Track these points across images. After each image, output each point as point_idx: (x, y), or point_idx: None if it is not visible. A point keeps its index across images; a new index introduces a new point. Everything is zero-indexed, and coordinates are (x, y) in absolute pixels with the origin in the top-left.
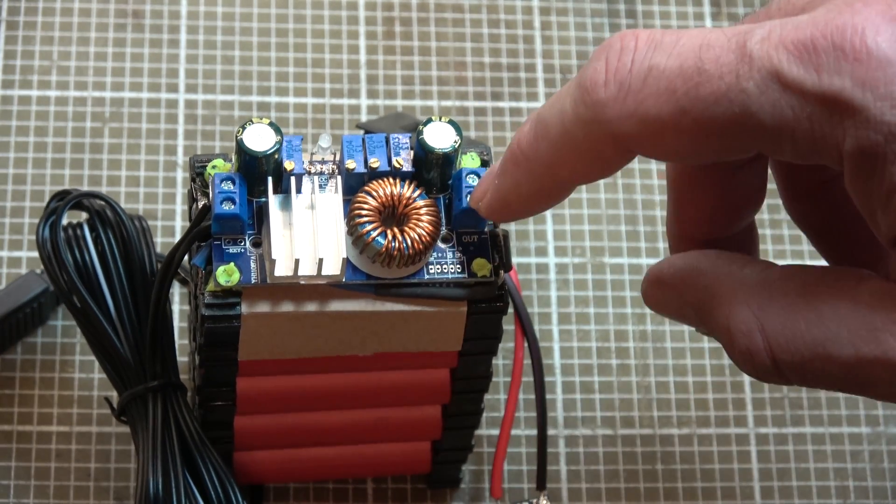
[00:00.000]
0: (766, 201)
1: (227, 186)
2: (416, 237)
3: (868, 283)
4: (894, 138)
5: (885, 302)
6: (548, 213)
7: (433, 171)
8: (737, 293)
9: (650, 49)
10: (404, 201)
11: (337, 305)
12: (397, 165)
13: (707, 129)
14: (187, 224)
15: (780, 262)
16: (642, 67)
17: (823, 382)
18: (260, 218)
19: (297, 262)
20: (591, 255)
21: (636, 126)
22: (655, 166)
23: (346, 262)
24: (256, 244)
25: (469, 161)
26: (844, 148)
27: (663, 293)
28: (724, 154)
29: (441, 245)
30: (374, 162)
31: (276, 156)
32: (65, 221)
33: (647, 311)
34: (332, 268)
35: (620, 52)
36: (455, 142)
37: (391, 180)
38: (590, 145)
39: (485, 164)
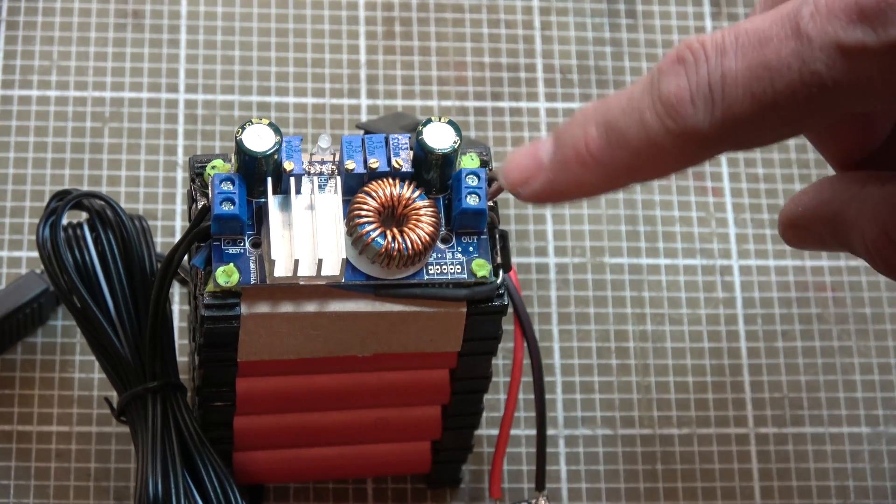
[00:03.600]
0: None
1: (227, 187)
2: (416, 238)
3: None
4: None
5: None
6: (547, 213)
7: (433, 172)
8: (864, 213)
9: (717, 55)
10: (404, 202)
11: (336, 306)
12: (397, 166)
13: (795, 116)
14: (187, 224)
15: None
16: (717, 76)
17: None
18: (259, 218)
19: (296, 262)
20: (591, 255)
21: (731, 132)
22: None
23: (346, 263)
24: (256, 245)
25: (468, 161)
26: None
27: (799, 233)
28: (820, 126)
29: (441, 245)
30: (374, 162)
31: (276, 156)
32: (65, 221)
33: (647, 310)
34: (332, 268)
35: (696, 65)
36: (454, 142)
37: (391, 181)
38: (682, 153)
39: (484, 164)
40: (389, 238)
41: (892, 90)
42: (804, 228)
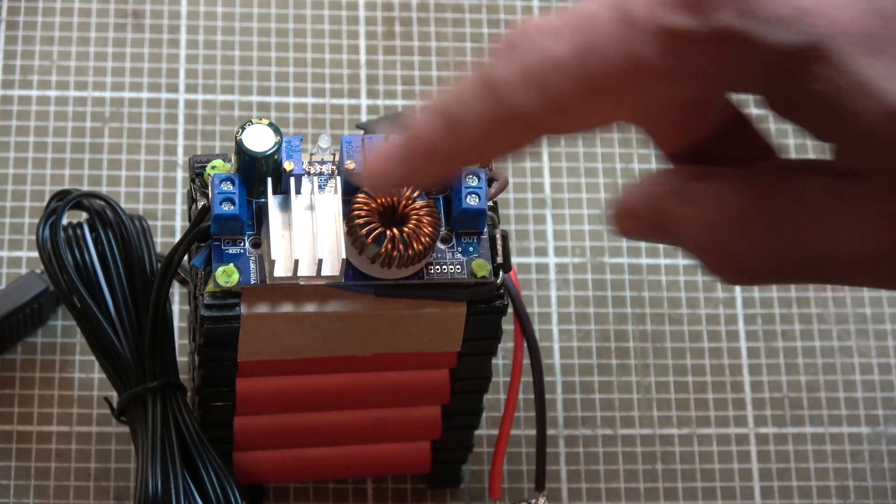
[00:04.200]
0: None
1: (227, 187)
2: (416, 238)
3: (812, 182)
4: (790, 55)
5: (829, 197)
6: (548, 213)
7: None
8: (692, 212)
9: (545, 38)
10: (404, 202)
11: (336, 306)
12: None
13: (619, 100)
14: (187, 224)
15: None
16: (544, 58)
17: (789, 280)
18: (259, 219)
19: (296, 262)
20: (591, 255)
21: (557, 115)
22: (656, 167)
23: (346, 263)
24: (256, 245)
25: None
26: (750, 75)
27: (631, 223)
28: (645, 111)
29: (441, 245)
30: None
31: (276, 156)
32: (65, 221)
33: (647, 310)
34: (332, 268)
35: (524, 48)
36: None
37: None
38: (511, 136)
39: (484, 164)
40: (389, 238)
41: (715, 77)
42: (636, 219)
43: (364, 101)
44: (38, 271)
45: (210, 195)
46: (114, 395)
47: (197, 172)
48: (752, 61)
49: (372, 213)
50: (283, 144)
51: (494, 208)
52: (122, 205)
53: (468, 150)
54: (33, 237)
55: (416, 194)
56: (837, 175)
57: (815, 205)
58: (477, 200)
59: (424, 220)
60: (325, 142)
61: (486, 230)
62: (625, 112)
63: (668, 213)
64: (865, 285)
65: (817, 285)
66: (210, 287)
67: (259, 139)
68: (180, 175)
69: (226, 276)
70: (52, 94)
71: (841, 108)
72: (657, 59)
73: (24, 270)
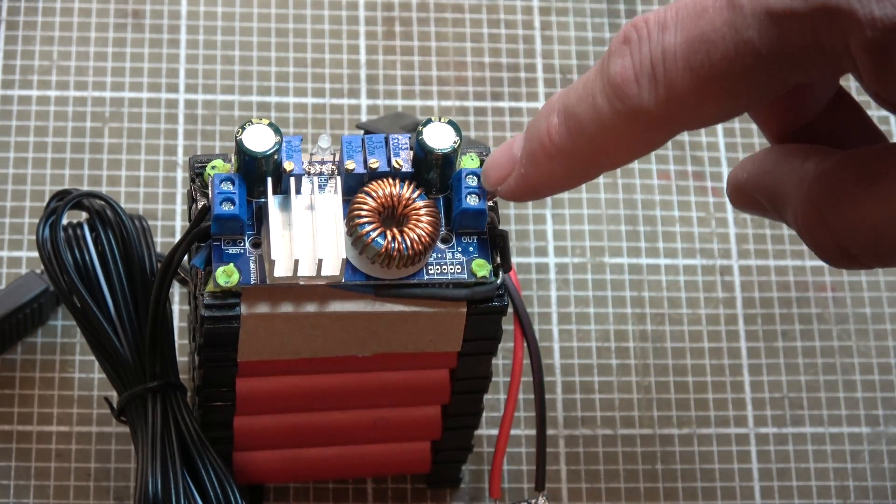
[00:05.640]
0: None
1: (227, 187)
2: (416, 238)
3: None
4: (892, 29)
5: None
6: (548, 213)
7: (433, 172)
8: (798, 190)
9: (659, 31)
10: (404, 202)
11: (336, 306)
12: (397, 166)
13: (735, 88)
14: (187, 224)
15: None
16: (658, 53)
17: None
18: (259, 219)
19: (296, 262)
20: (591, 255)
21: (676, 109)
22: (656, 166)
23: (346, 263)
24: (256, 245)
25: (468, 161)
26: (853, 52)
27: (741, 197)
28: (763, 100)
29: (441, 246)
30: (374, 162)
31: (276, 156)
32: (65, 221)
33: (647, 310)
34: (332, 268)
35: (639, 43)
36: (454, 142)
37: (391, 181)
38: (635, 135)
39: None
40: (389, 238)
41: (823, 56)
42: (747, 195)
43: (364, 101)
44: (38, 271)
45: (210, 195)
46: (114, 395)
47: (197, 172)
48: (852, 36)
49: (372, 213)
50: (283, 144)
51: (494, 208)
52: (122, 205)
53: (590, 150)
54: (33, 237)
55: (415, 194)
56: None
57: None
58: (477, 200)
59: (424, 221)
60: (325, 142)
61: (485, 230)
62: (741, 102)
63: (778, 192)
64: None
65: (817, 285)
66: (210, 287)
67: (259, 139)
68: (180, 175)
69: (226, 276)
70: (52, 94)
71: None
72: (763, 42)
73: (24, 270)
